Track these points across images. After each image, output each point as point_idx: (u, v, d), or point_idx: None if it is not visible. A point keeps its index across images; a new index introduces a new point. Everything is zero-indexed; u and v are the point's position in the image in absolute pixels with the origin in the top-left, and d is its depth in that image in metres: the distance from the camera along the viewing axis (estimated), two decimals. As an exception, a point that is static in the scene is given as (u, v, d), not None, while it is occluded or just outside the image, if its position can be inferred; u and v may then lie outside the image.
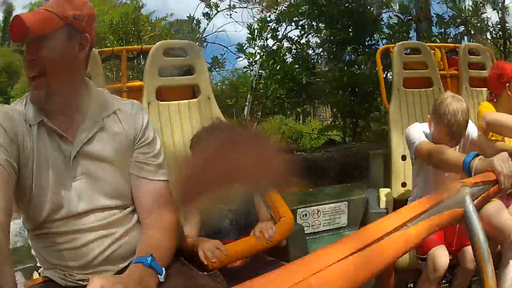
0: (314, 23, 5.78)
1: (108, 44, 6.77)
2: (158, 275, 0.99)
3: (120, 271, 1.07)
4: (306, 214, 2.43)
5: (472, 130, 1.81)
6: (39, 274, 1.14)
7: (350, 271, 0.46)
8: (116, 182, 1.12)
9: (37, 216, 1.06)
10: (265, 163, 0.67)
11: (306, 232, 1.95)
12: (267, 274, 0.43)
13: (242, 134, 0.79)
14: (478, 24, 5.51)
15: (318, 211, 2.46)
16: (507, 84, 2.04)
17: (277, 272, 0.43)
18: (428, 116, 1.76)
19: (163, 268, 1.01)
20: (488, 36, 5.91)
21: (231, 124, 1.52)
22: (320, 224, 2.47)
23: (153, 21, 9.42)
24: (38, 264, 1.15)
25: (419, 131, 1.73)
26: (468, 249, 1.62)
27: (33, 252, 1.15)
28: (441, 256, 1.62)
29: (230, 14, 6.83)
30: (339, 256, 0.46)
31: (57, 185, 1.05)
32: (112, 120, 1.14)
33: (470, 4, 5.66)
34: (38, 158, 1.04)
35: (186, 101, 1.96)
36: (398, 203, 2.20)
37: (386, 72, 3.83)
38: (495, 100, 2.12)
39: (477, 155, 1.34)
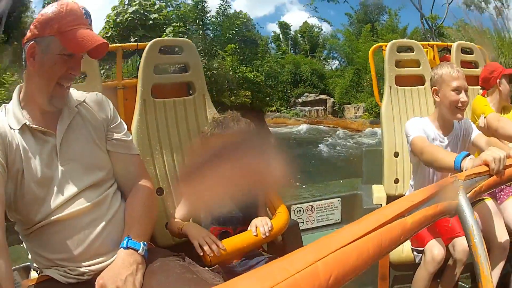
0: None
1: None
2: (137, 251, 1.10)
3: None
4: (300, 210, 2.45)
5: (471, 128, 1.85)
6: (38, 273, 1.15)
7: (353, 256, 0.48)
8: (98, 158, 1.22)
9: (31, 211, 1.10)
10: (274, 165, 0.69)
11: (300, 228, 1.97)
12: (279, 258, 0.45)
13: (253, 134, 0.81)
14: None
15: (312, 207, 2.48)
16: (498, 79, 2.18)
17: (287, 257, 0.45)
18: (435, 87, 1.79)
19: (141, 243, 1.12)
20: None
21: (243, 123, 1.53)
22: (314, 220, 2.49)
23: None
24: (35, 264, 1.16)
25: (416, 126, 1.77)
26: (459, 240, 1.66)
27: (30, 256, 1.17)
28: (438, 247, 1.70)
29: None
30: (342, 243, 0.49)
31: (47, 176, 1.12)
32: (84, 107, 1.26)
33: None
34: (26, 156, 1.10)
35: (181, 98, 1.96)
36: (391, 199, 2.23)
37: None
38: (486, 95, 2.24)
39: (468, 155, 1.37)
